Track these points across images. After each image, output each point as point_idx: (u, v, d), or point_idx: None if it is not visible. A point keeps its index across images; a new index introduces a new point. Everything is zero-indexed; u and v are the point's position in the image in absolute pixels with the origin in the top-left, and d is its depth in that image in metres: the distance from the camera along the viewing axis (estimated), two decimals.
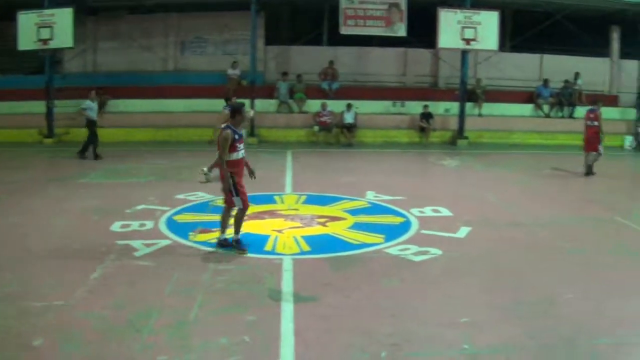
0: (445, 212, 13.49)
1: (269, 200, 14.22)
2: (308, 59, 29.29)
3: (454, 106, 27.62)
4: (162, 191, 15.16)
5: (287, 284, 8.78)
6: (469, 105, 27.68)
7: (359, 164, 21.52)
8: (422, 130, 26.89)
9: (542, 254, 10.72)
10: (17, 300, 7.93)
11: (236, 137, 10.11)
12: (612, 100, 28.75)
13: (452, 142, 26.86)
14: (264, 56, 29.08)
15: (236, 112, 10.36)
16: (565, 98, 28.94)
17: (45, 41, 24.48)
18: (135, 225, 11.86)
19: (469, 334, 7.19)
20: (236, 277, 9.07)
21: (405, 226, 12.23)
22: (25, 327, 7.14)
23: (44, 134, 25.48)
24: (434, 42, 26.29)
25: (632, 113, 28.44)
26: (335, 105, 26.89)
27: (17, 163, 20.38)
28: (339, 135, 26.31)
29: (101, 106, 23.87)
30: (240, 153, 10.25)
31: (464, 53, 26.57)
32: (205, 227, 11.61)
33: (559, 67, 29.49)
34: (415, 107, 27.88)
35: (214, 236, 10.82)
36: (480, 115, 28.39)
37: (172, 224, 12.05)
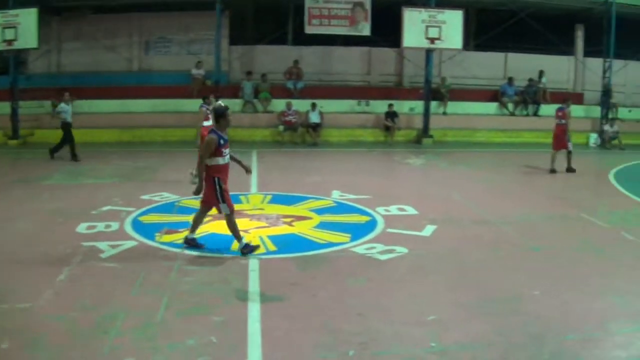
0: (410, 210, 13.54)
1: (235, 200, 13.96)
2: (273, 59, 29.26)
3: (418, 105, 27.78)
4: (128, 192, 15.07)
5: (253, 284, 8.77)
6: (433, 104, 27.81)
7: (324, 163, 21.50)
8: (387, 129, 26.96)
9: (508, 251, 10.81)
10: None
11: (221, 142, 9.89)
12: (577, 98, 28.97)
13: (417, 140, 26.96)
14: (228, 56, 29.00)
15: (220, 116, 10.07)
16: (530, 96, 29.23)
17: (9, 42, 24.16)
18: (101, 226, 11.76)
19: (436, 332, 7.22)
20: (203, 278, 9.04)
21: (371, 225, 12.27)
22: None
23: (8, 136, 25.16)
24: (399, 41, 26.34)
25: (596, 111, 28.79)
26: (301, 105, 26.88)
27: None
28: (304, 135, 26.31)
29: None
30: (227, 158, 10.09)
31: (429, 52, 26.69)
32: (171, 228, 11.58)
33: (523, 65, 29.82)
34: (380, 106, 27.94)
35: (180, 237, 10.79)
36: (445, 113, 28.58)
37: (137, 225, 11.97)
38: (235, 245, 10.23)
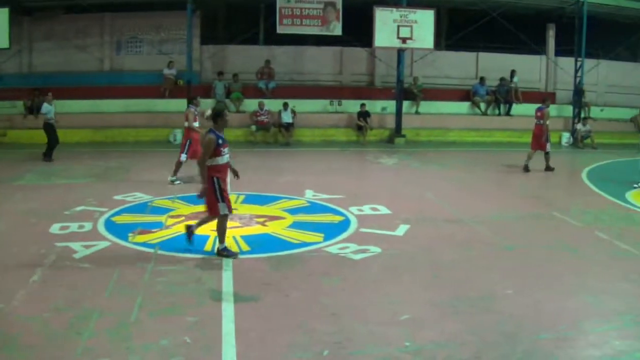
0: (384, 210, 13.59)
1: None
2: (244, 59, 29.18)
3: (390, 105, 27.77)
4: (101, 192, 14.98)
5: (227, 284, 8.78)
6: (406, 103, 27.81)
7: (297, 163, 21.52)
8: (360, 128, 26.95)
9: (481, 250, 10.88)
10: None
11: (220, 141, 9.89)
12: (549, 98, 29.06)
13: (390, 140, 26.98)
14: (199, 56, 28.85)
15: (217, 116, 10.11)
16: (502, 96, 29.29)
17: None
18: (74, 227, 11.70)
19: (410, 331, 7.26)
20: (176, 278, 9.03)
21: (344, 225, 12.31)
22: None
23: None
24: (370, 41, 26.34)
25: (568, 110, 28.92)
26: (273, 105, 26.75)
27: None
28: (277, 135, 26.25)
29: (38, 108, 23.47)
30: (225, 157, 10.09)
31: (400, 52, 26.72)
32: (145, 228, 11.56)
33: (495, 65, 29.93)
34: (352, 106, 27.92)
35: (153, 237, 10.79)
36: (417, 113, 28.57)
37: (111, 225, 11.92)
38: (209, 245, 10.22)
